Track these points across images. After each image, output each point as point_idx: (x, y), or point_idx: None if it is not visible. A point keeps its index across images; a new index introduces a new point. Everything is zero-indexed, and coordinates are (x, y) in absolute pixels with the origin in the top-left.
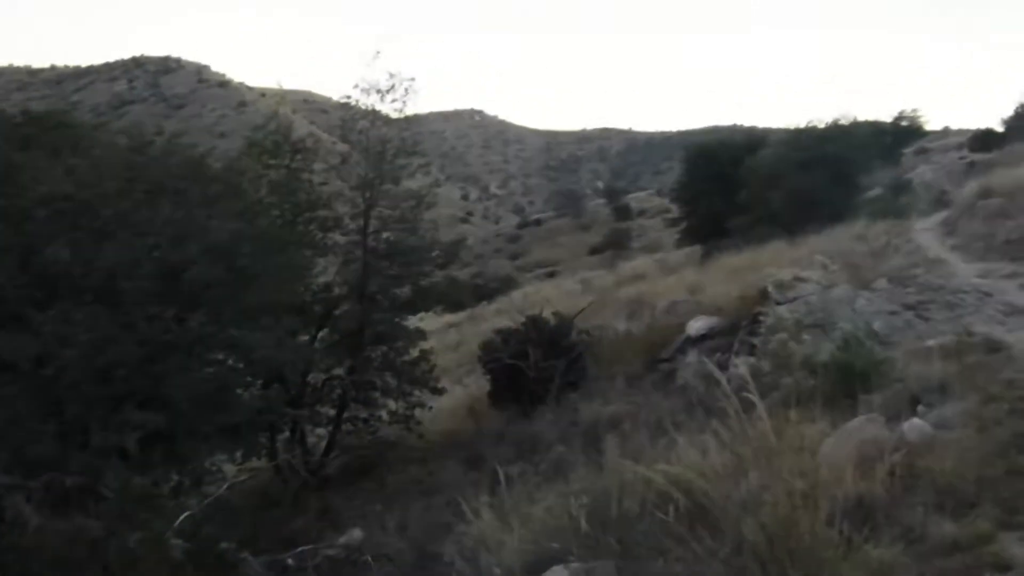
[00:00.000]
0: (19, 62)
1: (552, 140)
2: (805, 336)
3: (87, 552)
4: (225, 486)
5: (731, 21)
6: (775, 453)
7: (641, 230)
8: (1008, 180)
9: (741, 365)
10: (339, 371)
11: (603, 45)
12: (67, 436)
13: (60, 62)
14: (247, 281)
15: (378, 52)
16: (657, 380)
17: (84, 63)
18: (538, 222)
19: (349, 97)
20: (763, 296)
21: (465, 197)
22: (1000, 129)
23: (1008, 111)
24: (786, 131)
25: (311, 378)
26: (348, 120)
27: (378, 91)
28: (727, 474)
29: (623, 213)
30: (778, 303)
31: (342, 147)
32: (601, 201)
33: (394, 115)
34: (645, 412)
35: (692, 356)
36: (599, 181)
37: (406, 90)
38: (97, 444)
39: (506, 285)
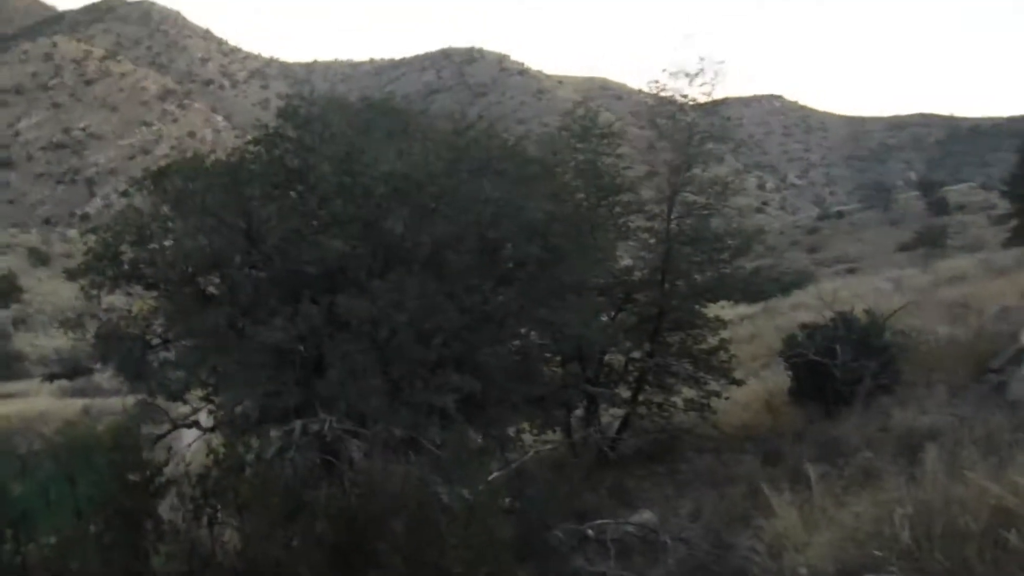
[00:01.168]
0: (343, 56)
1: (859, 127)
2: None
3: (421, 495)
4: (530, 454)
5: None
6: None
7: (960, 227)
8: None
9: None
10: (636, 354)
11: (920, 16)
12: (395, 393)
13: (377, 55)
14: (558, 260)
15: (689, 35)
16: (985, 392)
17: (398, 56)
18: (840, 214)
19: (657, 82)
20: None
21: (762, 186)
22: None
23: None
24: None
25: (608, 359)
26: (656, 105)
27: (687, 75)
28: None
29: (940, 207)
30: None
31: (644, 132)
32: (914, 194)
33: (702, 99)
34: (970, 425)
35: None
36: (912, 172)
37: (715, 74)
38: (420, 401)
39: (802, 279)
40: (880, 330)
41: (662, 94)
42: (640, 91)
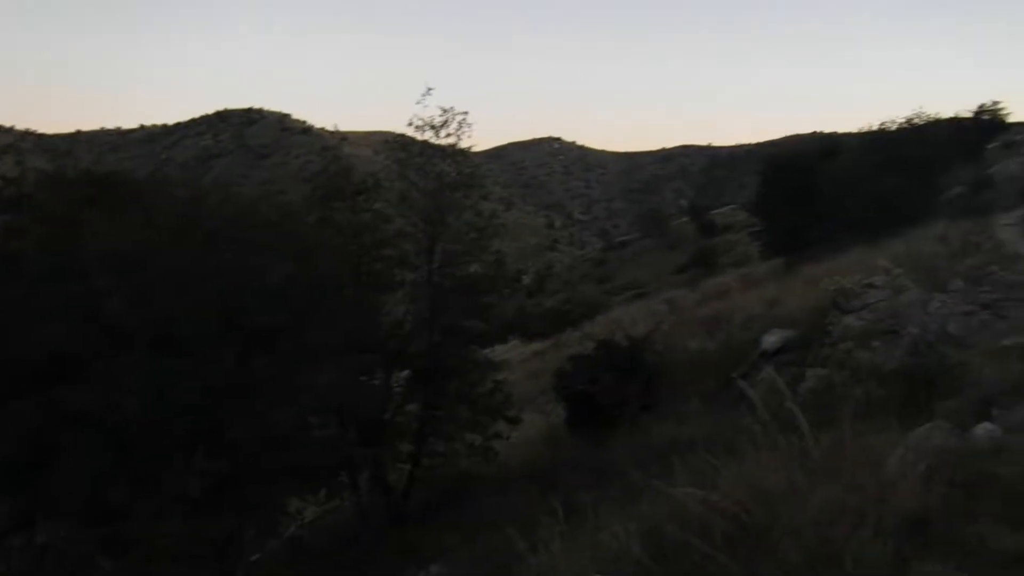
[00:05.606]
0: (110, 124)
1: (632, 162)
2: (875, 343)
3: None
4: (293, 527)
5: (802, 30)
6: (837, 468)
7: (728, 245)
8: None
9: (811, 378)
10: (413, 407)
11: (676, 63)
12: (138, 483)
13: (149, 121)
14: (304, 323)
15: (430, 89)
16: (732, 398)
17: (172, 120)
18: (623, 244)
19: (403, 136)
20: (833, 305)
21: (550, 225)
22: None
23: None
24: (862, 135)
25: (389, 414)
26: (405, 158)
27: (432, 127)
28: (786, 494)
29: (708, 230)
30: (846, 311)
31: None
32: (685, 219)
33: (450, 149)
34: (717, 433)
35: (766, 371)
36: (682, 199)
37: (460, 124)
38: (165, 491)
39: (594, 310)
40: (640, 353)
41: (409, 147)
42: (423, 142)
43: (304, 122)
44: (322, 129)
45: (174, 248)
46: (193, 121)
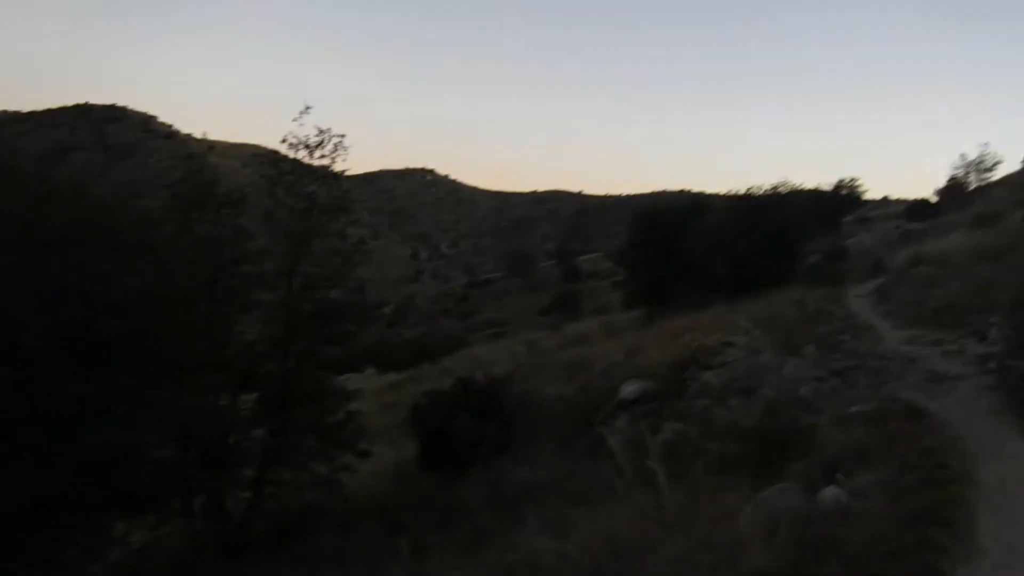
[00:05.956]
0: None
1: (504, 201)
2: (732, 401)
3: None
4: (118, 553)
5: (679, 88)
6: (691, 524)
7: (591, 292)
8: (938, 249)
9: (668, 431)
10: (259, 432)
11: (551, 107)
12: None
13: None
14: (148, 339)
15: (308, 107)
16: (588, 445)
17: (25, 108)
18: (488, 282)
19: (276, 152)
20: (693, 360)
21: (415, 256)
22: (934, 199)
23: (940, 183)
24: (728, 197)
25: (232, 439)
26: (275, 174)
27: (307, 146)
28: (640, 547)
29: (573, 275)
30: (705, 368)
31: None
32: (552, 262)
33: (322, 170)
34: (572, 479)
35: (623, 420)
36: (550, 243)
37: (335, 146)
38: None
39: (453, 345)
40: (499, 393)
41: (280, 163)
42: (294, 160)
43: (171, 126)
44: (188, 135)
45: (11, 248)
46: (49, 111)
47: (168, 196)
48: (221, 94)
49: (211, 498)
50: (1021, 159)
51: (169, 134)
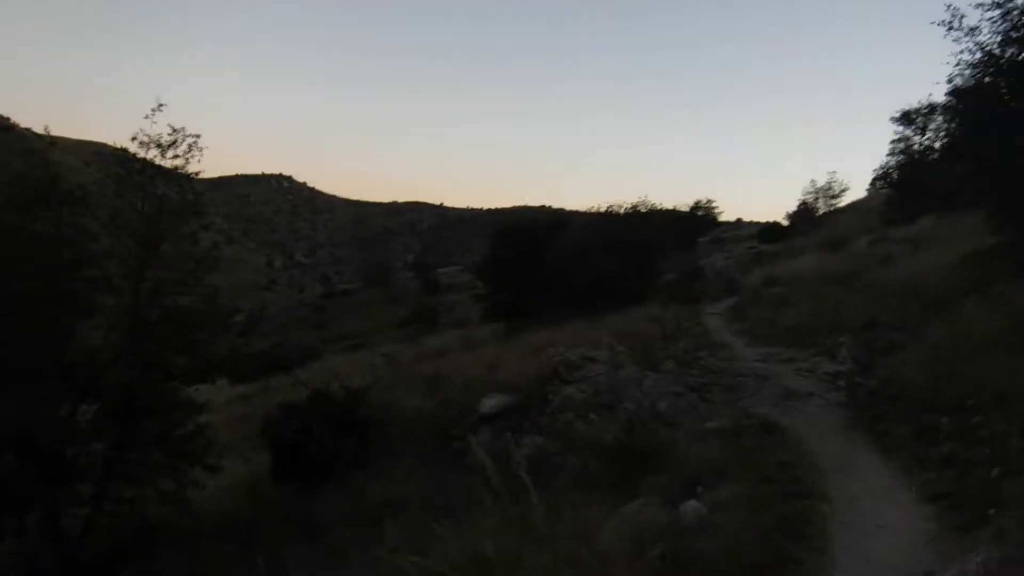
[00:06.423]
0: None
1: (363, 211)
2: (592, 416)
3: None
4: None
5: (538, 104)
6: (555, 538)
7: (450, 305)
8: (790, 270)
9: (529, 445)
10: (99, 445)
11: (413, 118)
12: None
13: None
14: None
15: (160, 104)
16: (449, 459)
17: None
18: (345, 293)
19: (125, 150)
20: (555, 375)
21: (270, 264)
22: (785, 223)
23: (792, 207)
24: (589, 214)
25: (71, 451)
26: (122, 174)
27: (158, 145)
28: (504, 562)
29: (432, 287)
30: (566, 382)
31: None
32: (411, 274)
33: (174, 172)
34: (433, 493)
35: (484, 434)
36: (409, 254)
37: (190, 146)
38: None
39: (307, 356)
40: (356, 406)
41: (128, 163)
42: (143, 160)
43: (8, 119)
44: (27, 130)
45: None
46: None
47: (4, 192)
48: (65, 88)
49: (46, 515)
50: (866, 187)
51: (6, 127)
